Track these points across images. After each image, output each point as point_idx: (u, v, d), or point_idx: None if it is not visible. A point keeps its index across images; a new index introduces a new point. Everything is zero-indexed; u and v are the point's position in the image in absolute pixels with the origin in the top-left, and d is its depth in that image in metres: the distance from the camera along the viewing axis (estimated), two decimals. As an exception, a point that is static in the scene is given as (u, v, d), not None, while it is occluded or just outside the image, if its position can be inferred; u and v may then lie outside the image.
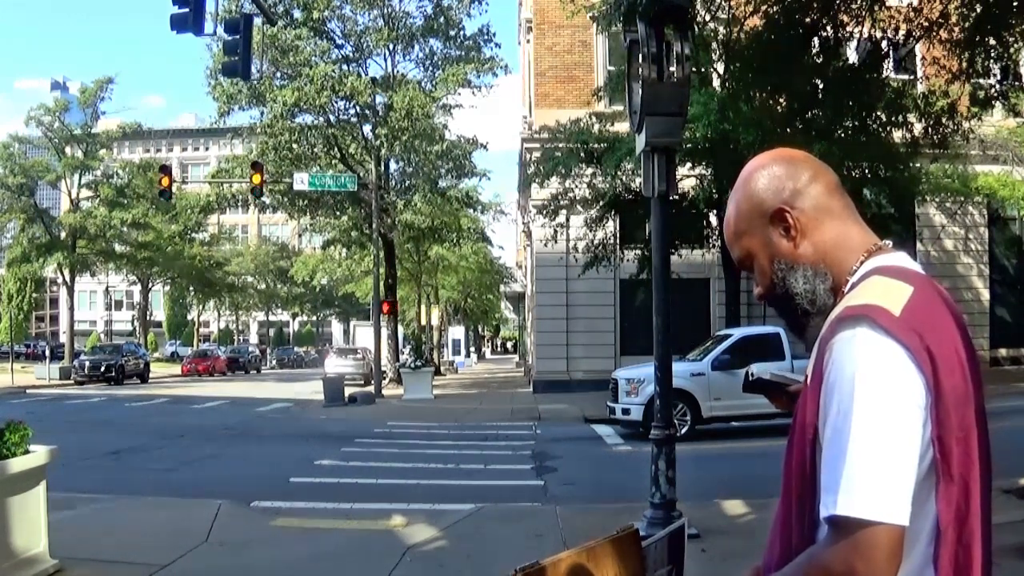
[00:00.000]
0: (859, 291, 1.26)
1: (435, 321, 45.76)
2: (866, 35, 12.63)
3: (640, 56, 5.73)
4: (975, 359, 1.27)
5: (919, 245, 22.87)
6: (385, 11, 26.75)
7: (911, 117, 14.59)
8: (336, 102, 26.34)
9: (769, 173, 1.38)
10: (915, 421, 1.16)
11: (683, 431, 11.50)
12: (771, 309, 1.49)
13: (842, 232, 1.35)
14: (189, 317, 71.30)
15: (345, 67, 26.55)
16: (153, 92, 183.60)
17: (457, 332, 65.04)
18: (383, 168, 28.08)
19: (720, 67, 16.82)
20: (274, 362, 58.55)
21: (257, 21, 15.65)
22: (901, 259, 1.33)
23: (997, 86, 12.98)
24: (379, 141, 26.19)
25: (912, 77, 16.90)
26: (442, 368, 40.74)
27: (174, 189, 27.02)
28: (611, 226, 19.54)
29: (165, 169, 24.50)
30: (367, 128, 27.53)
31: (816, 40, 11.99)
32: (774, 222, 1.36)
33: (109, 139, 40.90)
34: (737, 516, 6.87)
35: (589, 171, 17.74)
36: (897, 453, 1.14)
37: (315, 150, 28.05)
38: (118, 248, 41.70)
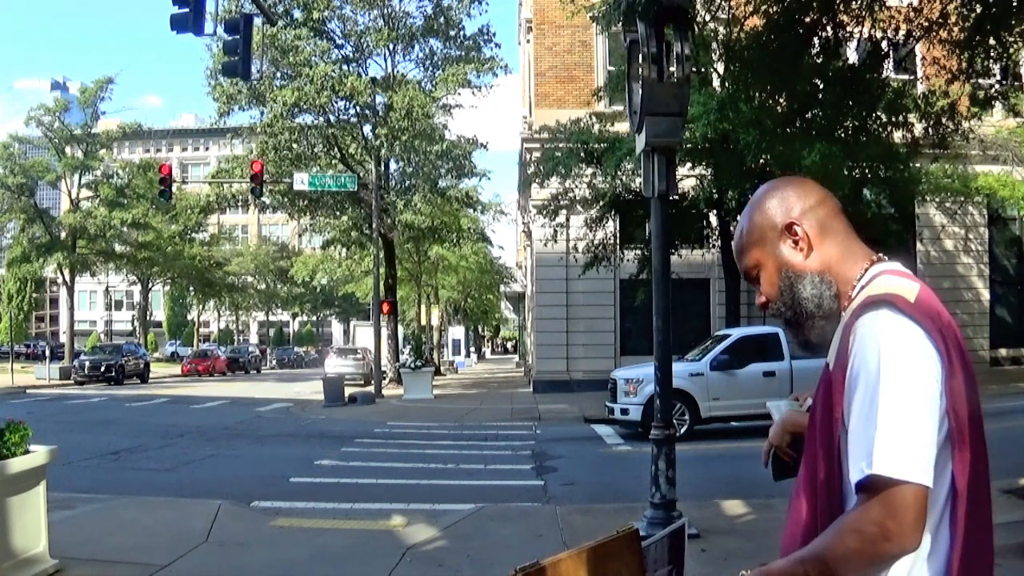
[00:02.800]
0: (872, 287, 1.39)
1: (435, 321, 45.73)
2: (866, 35, 12.60)
3: (640, 56, 5.74)
4: (968, 356, 1.38)
5: (919, 245, 22.80)
6: (385, 11, 26.73)
7: (911, 117, 14.57)
8: (336, 102, 26.32)
9: (781, 194, 1.56)
10: (935, 392, 1.27)
11: (682, 431, 11.50)
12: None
13: (845, 247, 1.51)
14: (189, 317, 71.28)
15: (345, 67, 26.52)
16: (153, 92, 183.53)
17: (457, 332, 65.04)
18: (383, 168, 28.06)
19: (720, 67, 16.79)
20: (274, 362, 58.47)
21: (257, 21, 15.64)
22: (900, 267, 1.47)
23: (997, 86, 12.96)
24: (379, 141, 26.17)
25: (912, 77, 16.88)
26: (442, 368, 40.73)
27: (174, 189, 27.01)
28: (611, 226, 19.52)
29: (165, 169, 24.50)
30: (367, 128, 27.50)
31: (816, 40, 11.96)
32: (784, 235, 1.52)
33: (109, 139, 40.80)
34: (737, 516, 6.87)
35: (589, 171, 17.71)
36: (922, 420, 1.25)
37: (315, 150, 28.04)
38: (118, 248, 41.61)
